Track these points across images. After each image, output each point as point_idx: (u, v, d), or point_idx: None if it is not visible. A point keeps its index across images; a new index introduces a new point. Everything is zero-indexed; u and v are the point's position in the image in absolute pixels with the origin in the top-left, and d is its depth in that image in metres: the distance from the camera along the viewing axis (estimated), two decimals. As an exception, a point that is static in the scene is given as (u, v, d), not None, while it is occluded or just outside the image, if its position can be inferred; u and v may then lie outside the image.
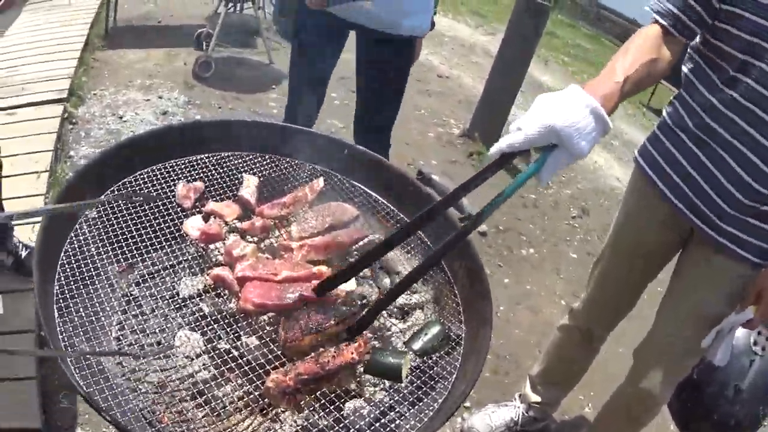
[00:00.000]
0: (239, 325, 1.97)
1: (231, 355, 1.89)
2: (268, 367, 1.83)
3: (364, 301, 2.10)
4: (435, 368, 2.04)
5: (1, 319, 3.17)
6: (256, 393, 1.78)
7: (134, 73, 6.72)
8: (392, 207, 2.54)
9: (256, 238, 2.30)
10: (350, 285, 2.03)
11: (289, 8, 8.85)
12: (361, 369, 1.92)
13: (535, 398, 3.59)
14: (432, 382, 2.00)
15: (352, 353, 1.83)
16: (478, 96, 7.59)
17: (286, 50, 8.22)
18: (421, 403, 1.96)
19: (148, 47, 7.39)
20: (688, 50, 2.47)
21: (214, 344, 1.94)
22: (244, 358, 1.87)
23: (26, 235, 3.73)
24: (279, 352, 1.88)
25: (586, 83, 1.85)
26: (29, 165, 4.46)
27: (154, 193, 2.28)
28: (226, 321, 1.98)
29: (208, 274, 2.10)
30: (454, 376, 1.98)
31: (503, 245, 5.72)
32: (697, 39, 2.42)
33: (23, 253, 3.48)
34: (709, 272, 2.57)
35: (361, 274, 2.13)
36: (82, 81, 6.18)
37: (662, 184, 2.58)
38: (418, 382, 1.99)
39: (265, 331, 1.96)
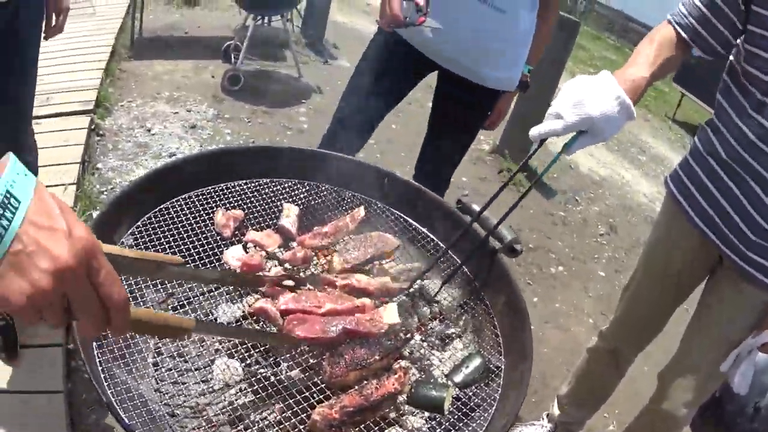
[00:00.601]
0: (278, 351, 1.97)
1: (270, 382, 1.88)
2: (307, 395, 1.83)
3: (408, 335, 2.09)
4: (474, 398, 2.03)
5: (30, 333, 3.16)
6: (300, 425, 1.76)
7: (162, 84, 6.73)
8: (432, 236, 2.51)
9: (297, 269, 2.27)
10: (393, 317, 2.02)
11: (318, 21, 8.88)
12: (402, 398, 1.93)
13: (563, 418, 3.60)
14: (471, 413, 1.99)
15: (394, 384, 1.85)
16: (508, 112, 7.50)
17: (315, 63, 8.26)
18: (455, 430, 1.95)
19: (176, 59, 7.41)
20: (722, 76, 2.48)
21: (254, 372, 1.93)
22: (282, 385, 1.86)
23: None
24: (319, 381, 1.88)
25: (616, 71, 2.10)
26: (56, 177, 4.44)
27: (192, 221, 2.26)
28: (266, 348, 1.98)
29: (248, 303, 2.10)
30: (494, 408, 1.97)
31: (533, 263, 5.72)
32: (728, 66, 2.44)
33: None
34: (735, 299, 2.57)
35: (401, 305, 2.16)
36: (108, 92, 6.20)
37: (692, 211, 2.58)
38: (458, 413, 1.98)
39: (304, 358, 1.96)
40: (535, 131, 2.00)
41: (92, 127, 5.38)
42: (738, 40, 2.33)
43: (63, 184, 4.37)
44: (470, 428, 1.94)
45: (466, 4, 2.99)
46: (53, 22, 2.99)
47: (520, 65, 3.34)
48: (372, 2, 13.86)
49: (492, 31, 3.06)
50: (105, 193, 4.63)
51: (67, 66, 6.27)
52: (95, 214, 4.15)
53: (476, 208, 2.39)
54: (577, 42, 8.02)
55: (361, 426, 1.79)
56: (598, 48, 18.70)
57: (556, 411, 3.63)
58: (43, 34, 2.97)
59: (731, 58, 2.43)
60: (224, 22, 8.96)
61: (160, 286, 2.09)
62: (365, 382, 1.87)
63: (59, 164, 4.61)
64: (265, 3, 7.02)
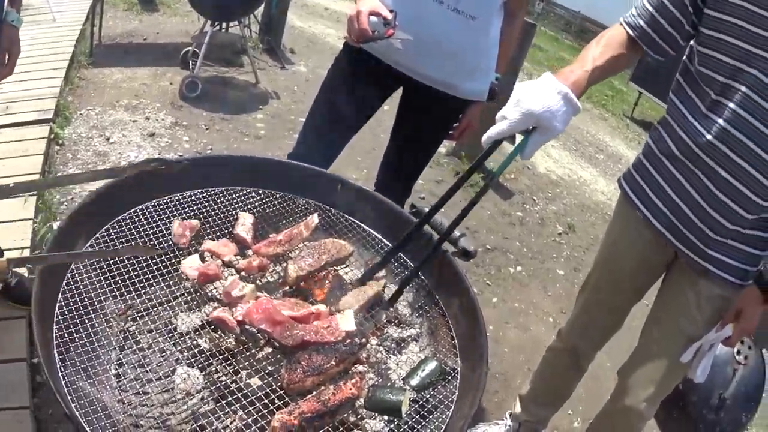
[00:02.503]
0: (237, 360, 1.99)
1: (230, 390, 1.90)
2: (267, 402, 1.86)
3: (363, 341, 2.12)
4: (431, 401, 2.07)
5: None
6: (260, 431, 1.79)
7: (121, 92, 6.68)
8: (386, 242, 2.54)
9: (253, 277, 2.31)
10: (349, 325, 2.05)
11: (275, 26, 8.87)
12: (360, 403, 1.96)
13: (525, 417, 3.62)
14: (429, 415, 2.03)
15: (351, 389, 1.88)
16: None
17: (272, 69, 8.25)
18: (415, 432, 1.99)
19: (135, 66, 7.35)
20: (676, 76, 2.51)
21: (214, 381, 1.96)
22: (243, 392, 1.89)
23: (13, 262, 3.71)
24: (277, 388, 1.91)
25: (558, 71, 2.17)
26: (16, 188, 4.37)
27: (150, 231, 2.28)
28: (224, 356, 2.00)
29: (207, 314, 2.12)
30: (451, 409, 2.00)
31: (491, 264, 5.75)
32: (682, 67, 2.48)
33: (12, 281, 3.46)
34: (692, 294, 2.61)
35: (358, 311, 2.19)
36: (67, 100, 6.12)
37: (646, 210, 2.62)
38: (416, 415, 2.00)
39: (262, 365, 1.99)
40: (485, 136, 2.07)
41: (51, 136, 5.31)
42: (690, 42, 2.38)
43: (23, 196, 4.34)
44: (428, 430, 1.97)
45: (436, 12, 2.95)
46: (5, 63, 2.96)
47: (491, 74, 3.32)
48: (330, 6, 13.86)
49: (464, 39, 3.04)
50: (65, 203, 4.59)
51: (25, 74, 6.13)
52: (55, 225, 4.15)
53: (439, 218, 2.43)
54: (534, 43, 8.11)
55: (321, 431, 1.82)
56: (555, 49, 18.83)
57: (518, 410, 3.65)
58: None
59: (684, 58, 2.48)
60: (183, 28, 8.93)
61: (119, 298, 2.11)
62: (323, 387, 1.90)
63: (19, 175, 4.51)
64: (223, 10, 7.00)
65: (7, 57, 2.94)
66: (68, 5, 8.55)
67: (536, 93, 2.01)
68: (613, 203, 7.71)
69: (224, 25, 7.76)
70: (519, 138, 2.11)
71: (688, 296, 2.61)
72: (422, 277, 2.45)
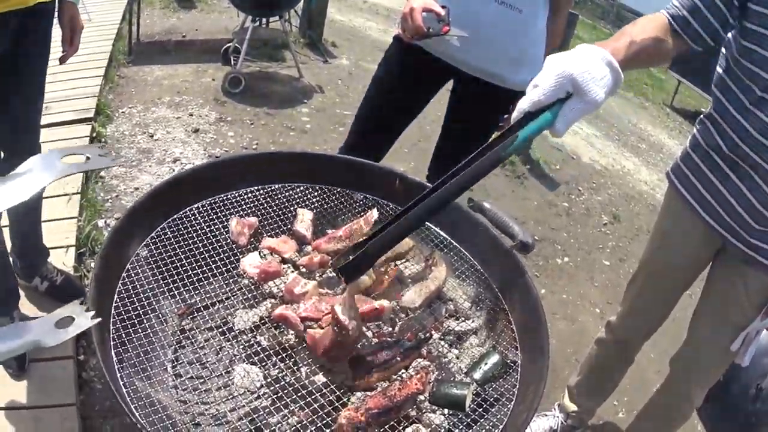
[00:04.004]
0: (300, 356, 2.00)
1: (294, 388, 1.90)
2: (331, 399, 1.86)
3: (426, 335, 2.11)
4: (493, 394, 2.07)
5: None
6: (325, 428, 1.79)
7: (162, 89, 6.74)
8: (445, 236, 2.53)
9: (315, 273, 2.31)
10: (415, 301, 2.12)
11: (316, 20, 8.87)
12: (423, 397, 1.95)
13: (573, 408, 3.65)
14: (491, 408, 2.02)
15: (416, 384, 1.87)
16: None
17: (315, 63, 8.25)
18: (476, 425, 1.98)
19: (175, 63, 7.41)
20: (717, 70, 2.51)
21: (275, 378, 1.96)
22: (307, 389, 1.89)
23: (60, 259, 3.73)
24: (339, 384, 1.93)
25: (594, 43, 1.88)
26: (59, 187, 4.40)
27: (207, 230, 2.30)
28: (287, 354, 2.00)
29: (268, 310, 2.12)
30: (513, 402, 2.00)
31: (539, 255, 5.75)
32: (723, 60, 2.47)
33: (58, 279, 3.47)
34: (741, 283, 2.63)
35: (419, 304, 2.19)
36: (108, 99, 6.20)
37: (695, 202, 2.64)
38: (478, 409, 2.00)
39: (324, 361, 1.99)
40: (516, 110, 1.80)
41: (93, 135, 5.36)
42: (729, 34, 2.34)
43: (67, 194, 4.35)
44: (491, 423, 1.96)
45: (484, 5, 2.96)
46: (68, 42, 2.97)
47: (538, 66, 3.26)
48: (369, 0, 13.85)
49: (512, 32, 3.03)
50: (109, 200, 4.63)
51: (65, 74, 6.16)
52: (100, 222, 4.18)
53: (488, 206, 2.40)
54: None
55: (385, 426, 1.82)
56: (593, 37, 18.68)
57: (566, 401, 3.68)
58: (59, 56, 2.97)
59: (723, 51, 2.45)
60: (222, 24, 8.96)
61: (178, 297, 2.11)
62: (388, 383, 1.91)
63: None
64: (264, 5, 7.02)
65: (70, 34, 2.94)
66: (104, 5, 8.64)
67: (574, 57, 1.75)
68: (657, 193, 7.71)
69: (265, 20, 7.76)
70: None
71: (737, 286, 2.64)
72: (482, 271, 2.43)
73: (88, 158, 1.45)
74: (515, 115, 1.79)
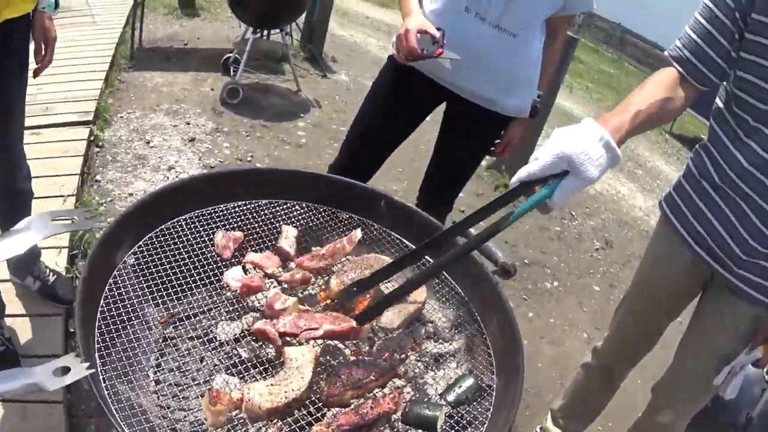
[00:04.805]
0: (277, 371, 1.99)
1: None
2: (304, 413, 1.87)
3: (402, 356, 2.13)
4: (466, 416, 2.07)
5: (28, 344, 3.19)
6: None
7: (161, 96, 6.77)
8: (429, 258, 2.54)
9: (297, 290, 2.33)
10: (393, 321, 2.15)
11: (317, 35, 8.90)
12: (397, 416, 1.96)
13: (556, 431, 3.64)
14: (462, 430, 2.02)
15: (389, 403, 1.89)
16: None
17: (314, 77, 8.28)
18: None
19: (175, 70, 7.45)
20: (716, 101, 2.53)
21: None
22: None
23: (53, 259, 3.75)
24: (316, 400, 1.93)
25: (599, 115, 1.98)
26: (54, 188, 4.45)
27: (193, 242, 2.31)
28: (264, 367, 2.01)
29: (248, 324, 2.14)
30: (485, 426, 2.01)
31: (528, 279, 5.76)
32: (723, 92, 2.48)
33: (51, 279, 3.49)
34: (727, 313, 2.63)
35: (397, 324, 2.21)
36: (107, 103, 6.22)
37: (685, 233, 2.65)
38: (450, 431, 2.00)
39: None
40: (515, 177, 1.91)
41: (91, 138, 5.38)
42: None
43: (62, 196, 4.37)
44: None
45: (478, 29, 2.99)
46: (41, 55, 2.96)
47: (533, 91, 3.32)
48: (370, 15, 13.90)
49: (506, 56, 3.06)
50: (104, 204, 4.65)
51: (66, 75, 6.27)
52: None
53: (472, 231, 2.43)
54: (574, 55, 8.07)
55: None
56: (595, 61, 18.77)
57: (549, 424, 3.68)
58: (31, 71, 2.96)
59: (724, 84, 2.47)
60: (223, 34, 9.01)
61: (161, 305, 2.13)
62: (361, 401, 1.92)
63: (58, 175, 4.61)
64: (265, 17, 7.04)
65: (43, 47, 2.94)
66: (108, 8, 8.68)
67: (574, 136, 1.85)
68: (651, 219, 7.73)
69: (266, 32, 7.80)
70: None
71: (725, 316, 2.64)
72: (462, 294, 2.46)
73: (74, 220, 1.68)
74: (513, 180, 1.91)
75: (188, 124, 6.29)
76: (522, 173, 1.87)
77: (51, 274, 3.53)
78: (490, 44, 3.02)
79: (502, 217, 1.87)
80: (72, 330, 3.42)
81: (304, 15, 8.20)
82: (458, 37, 2.93)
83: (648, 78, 2.32)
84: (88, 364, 1.33)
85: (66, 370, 1.39)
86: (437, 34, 2.80)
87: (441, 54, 2.79)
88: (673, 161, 12.01)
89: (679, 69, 2.29)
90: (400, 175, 6.40)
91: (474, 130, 3.37)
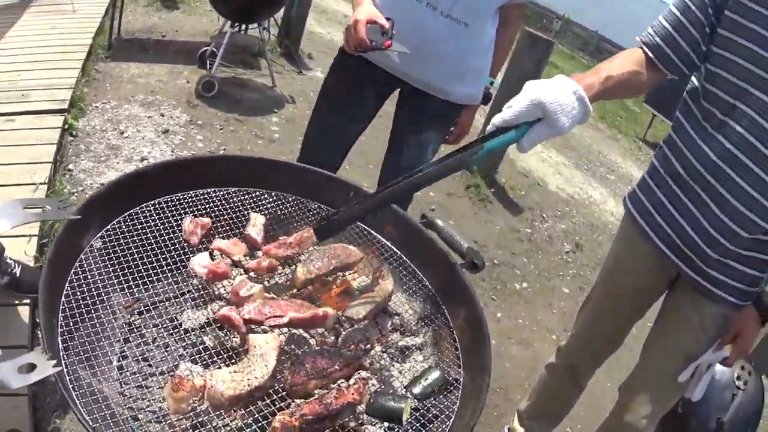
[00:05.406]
0: (240, 359, 1.98)
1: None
2: (268, 402, 1.87)
3: (368, 347, 2.13)
4: (432, 410, 2.06)
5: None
6: (261, 431, 1.81)
7: (137, 87, 6.70)
8: (395, 249, 2.55)
9: (262, 277, 2.32)
10: (360, 312, 2.13)
11: (294, 31, 8.88)
12: (362, 408, 1.96)
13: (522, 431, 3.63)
14: (429, 424, 2.02)
15: (353, 394, 1.88)
16: (478, 129, 7.58)
17: (290, 73, 8.25)
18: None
19: (152, 62, 7.39)
20: (684, 95, 2.54)
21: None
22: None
23: (21, 248, 3.71)
24: (280, 389, 1.92)
25: (570, 76, 2.04)
26: (27, 176, 4.37)
27: (161, 227, 2.30)
28: (228, 355, 2.01)
29: (213, 310, 2.13)
30: (452, 420, 2.00)
31: (497, 279, 5.76)
32: (690, 86, 2.50)
33: (18, 271, 3.45)
34: (693, 313, 2.63)
35: (363, 315, 2.20)
36: (83, 92, 6.15)
37: (649, 229, 2.64)
38: (416, 423, 1.99)
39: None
40: (490, 125, 1.95)
41: (66, 127, 5.32)
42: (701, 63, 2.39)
43: (34, 183, 4.33)
44: (427, 437, 1.96)
45: (429, 18, 3.00)
46: None
47: (484, 78, 3.36)
48: (349, 14, 13.87)
49: (457, 46, 3.08)
50: (75, 194, 4.61)
51: (44, 63, 6.20)
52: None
53: (440, 223, 2.43)
54: (550, 60, 8.09)
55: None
56: (571, 67, 18.84)
57: (516, 425, 3.67)
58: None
59: (693, 79, 2.49)
60: (202, 27, 8.96)
61: (126, 290, 2.12)
62: (325, 391, 1.91)
63: (31, 163, 4.53)
64: (244, 12, 7.03)
65: None
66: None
67: (548, 86, 1.90)
68: (622, 224, 7.75)
69: (243, 26, 7.78)
70: None
71: (691, 315, 2.64)
72: (429, 287, 2.46)
73: (46, 209, 1.64)
74: (488, 128, 1.94)
75: (163, 115, 6.24)
76: (496, 119, 1.92)
77: (17, 265, 3.49)
78: (442, 34, 3.04)
79: (471, 151, 1.91)
80: (38, 321, 3.38)
81: (282, 11, 8.18)
82: (409, 26, 2.94)
83: (617, 54, 2.38)
84: (54, 362, 1.31)
85: (32, 367, 1.37)
86: (386, 24, 2.79)
87: (390, 46, 2.79)
88: (645, 167, 12.04)
89: (649, 54, 2.34)
90: (372, 171, 6.34)
91: (426, 118, 3.38)
